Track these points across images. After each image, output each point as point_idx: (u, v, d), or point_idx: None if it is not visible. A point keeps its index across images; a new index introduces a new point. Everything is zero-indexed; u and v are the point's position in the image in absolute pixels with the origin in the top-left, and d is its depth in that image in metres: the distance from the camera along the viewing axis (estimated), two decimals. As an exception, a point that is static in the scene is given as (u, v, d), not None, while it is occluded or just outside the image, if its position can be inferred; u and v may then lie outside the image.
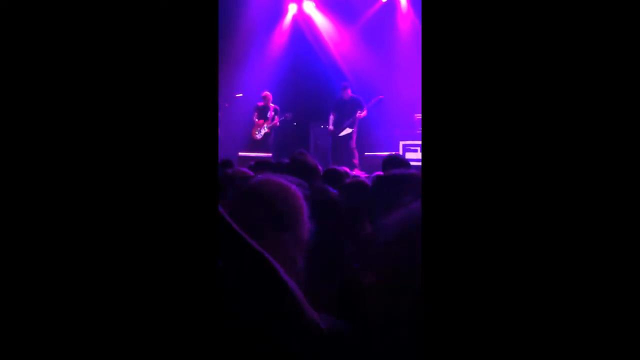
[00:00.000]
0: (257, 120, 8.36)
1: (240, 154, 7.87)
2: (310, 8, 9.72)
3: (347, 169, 3.85)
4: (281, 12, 9.83)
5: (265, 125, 8.27)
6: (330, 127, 7.94)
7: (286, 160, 3.60)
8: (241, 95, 8.84)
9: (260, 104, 8.41)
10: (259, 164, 3.56)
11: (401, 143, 8.07)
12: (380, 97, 8.02)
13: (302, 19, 9.82)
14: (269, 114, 8.32)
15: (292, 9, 9.81)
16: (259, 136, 8.32)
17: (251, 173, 2.42)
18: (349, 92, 7.98)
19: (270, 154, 7.81)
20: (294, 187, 1.15)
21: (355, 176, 3.47)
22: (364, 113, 7.86)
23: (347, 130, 7.91)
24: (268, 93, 8.44)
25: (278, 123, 8.29)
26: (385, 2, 9.46)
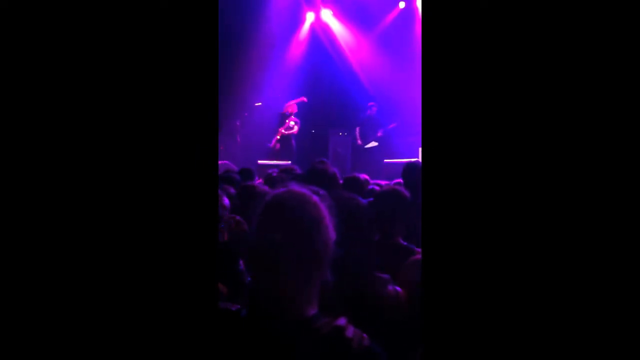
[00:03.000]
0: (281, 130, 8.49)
1: (259, 162, 7.91)
2: (327, 16, 9.77)
3: (367, 177, 3.83)
4: (299, 20, 9.89)
5: (278, 135, 8.36)
6: (359, 140, 8.77)
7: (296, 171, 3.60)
8: (260, 104, 8.90)
9: (284, 111, 8.51)
10: (279, 174, 3.56)
11: (420, 149, 8.02)
12: (394, 124, 8.79)
13: (319, 27, 9.87)
14: (287, 123, 8.38)
15: (310, 17, 9.87)
16: (277, 147, 8.40)
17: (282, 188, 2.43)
18: (375, 110, 8.81)
19: (289, 162, 7.84)
20: (317, 198, 1.14)
21: (382, 184, 3.44)
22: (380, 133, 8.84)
23: (373, 144, 8.73)
24: (292, 104, 8.51)
25: (288, 131, 8.33)
26: (402, 8, 9.45)
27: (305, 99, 8.60)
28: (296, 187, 1.14)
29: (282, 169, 3.74)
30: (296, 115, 8.53)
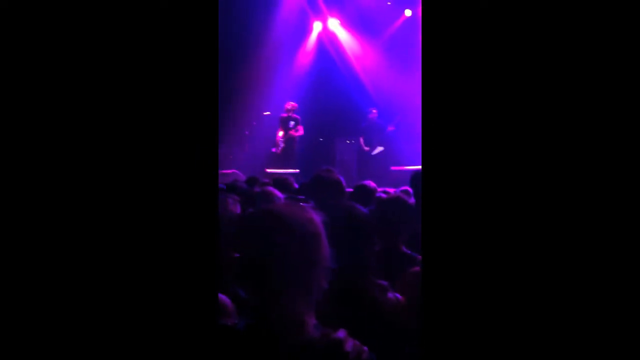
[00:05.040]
0: (278, 133, 8.44)
1: (267, 170, 7.93)
2: (334, 25, 9.81)
3: (374, 184, 3.82)
4: (306, 30, 9.95)
5: (282, 139, 8.33)
6: (366, 147, 8.57)
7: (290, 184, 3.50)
8: (269, 113, 8.94)
9: (284, 115, 8.48)
10: (277, 182, 3.50)
11: (427, 157, 7.97)
12: (398, 116, 8.63)
13: (326, 36, 9.92)
14: (289, 125, 8.35)
15: (317, 26, 9.92)
16: (278, 150, 8.38)
17: (278, 194, 2.41)
18: (376, 115, 8.64)
19: (297, 170, 7.85)
20: (311, 212, 1.15)
21: (389, 191, 3.43)
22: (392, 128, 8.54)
23: (379, 149, 8.54)
24: (291, 103, 8.48)
25: (296, 134, 8.31)
26: (409, 16, 9.47)
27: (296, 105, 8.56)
28: (288, 201, 1.15)
29: (276, 179, 3.66)
30: (301, 120, 8.50)
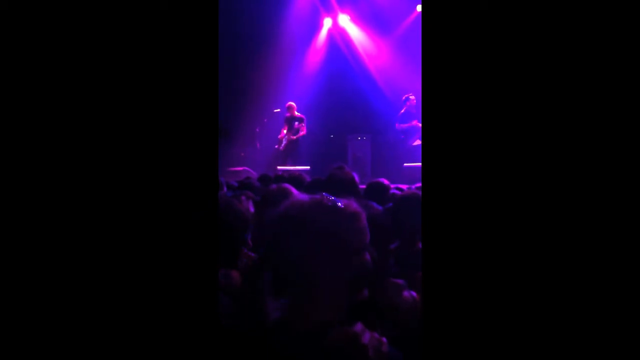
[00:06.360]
0: (283, 131, 8.49)
1: (279, 167, 7.95)
2: (345, 21, 9.79)
3: (387, 181, 3.80)
4: (317, 26, 9.95)
5: (285, 137, 8.37)
6: (416, 121, 7.99)
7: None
8: (279, 110, 8.96)
9: (287, 114, 8.51)
10: (291, 178, 3.47)
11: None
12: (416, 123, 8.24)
13: (337, 32, 9.91)
14: (294, 125, 8.38)
15: (327, 22, 9.91)
16: (281, 147, 8.41)
17: (294, 190, 2.39)
18: (414, 101, 8.16)
19: (308, 167, 7.87)
20: (359, 210, 1.09)
21: (403, 188, 3.41)
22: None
23: (419, 142, 8.00)
24: (292, 103, 8.52)
25: (295, 136, 8.33)
26: (420, 11, 9.42)
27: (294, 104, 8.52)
28: (330, 197, 1.09)
29: (290, 176, 3.62)
30: (305, 120, 8.52)
